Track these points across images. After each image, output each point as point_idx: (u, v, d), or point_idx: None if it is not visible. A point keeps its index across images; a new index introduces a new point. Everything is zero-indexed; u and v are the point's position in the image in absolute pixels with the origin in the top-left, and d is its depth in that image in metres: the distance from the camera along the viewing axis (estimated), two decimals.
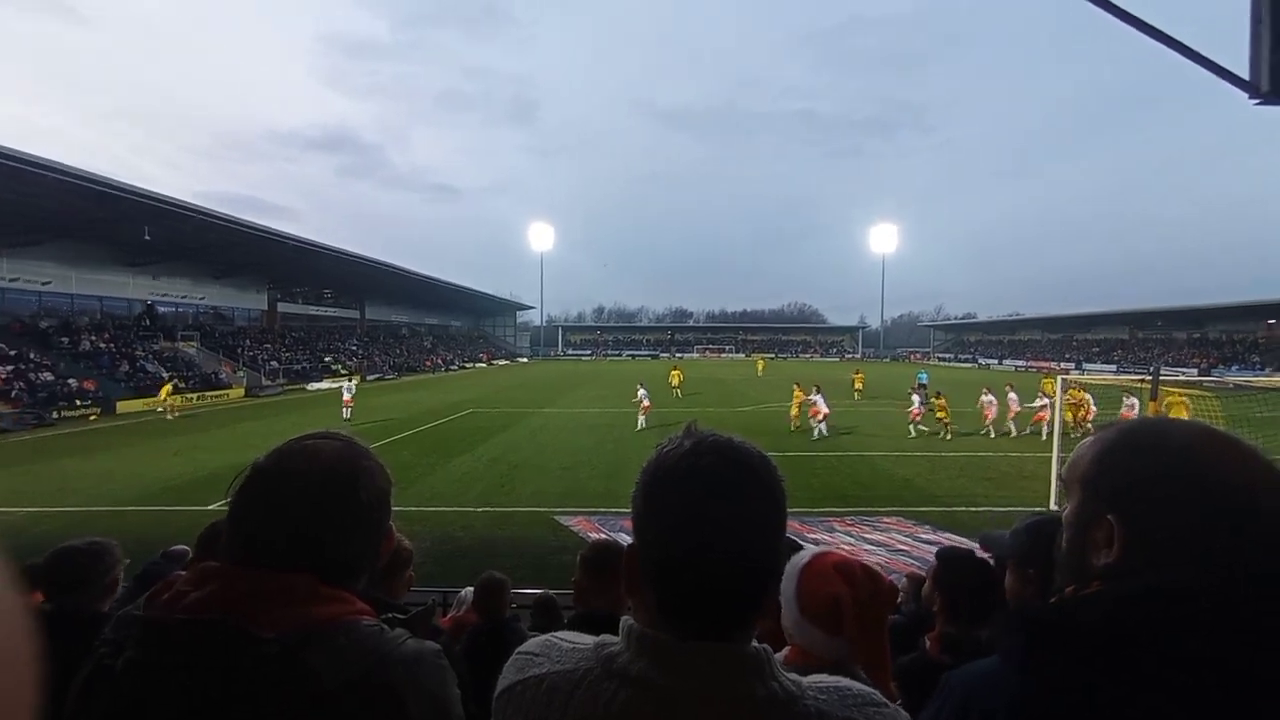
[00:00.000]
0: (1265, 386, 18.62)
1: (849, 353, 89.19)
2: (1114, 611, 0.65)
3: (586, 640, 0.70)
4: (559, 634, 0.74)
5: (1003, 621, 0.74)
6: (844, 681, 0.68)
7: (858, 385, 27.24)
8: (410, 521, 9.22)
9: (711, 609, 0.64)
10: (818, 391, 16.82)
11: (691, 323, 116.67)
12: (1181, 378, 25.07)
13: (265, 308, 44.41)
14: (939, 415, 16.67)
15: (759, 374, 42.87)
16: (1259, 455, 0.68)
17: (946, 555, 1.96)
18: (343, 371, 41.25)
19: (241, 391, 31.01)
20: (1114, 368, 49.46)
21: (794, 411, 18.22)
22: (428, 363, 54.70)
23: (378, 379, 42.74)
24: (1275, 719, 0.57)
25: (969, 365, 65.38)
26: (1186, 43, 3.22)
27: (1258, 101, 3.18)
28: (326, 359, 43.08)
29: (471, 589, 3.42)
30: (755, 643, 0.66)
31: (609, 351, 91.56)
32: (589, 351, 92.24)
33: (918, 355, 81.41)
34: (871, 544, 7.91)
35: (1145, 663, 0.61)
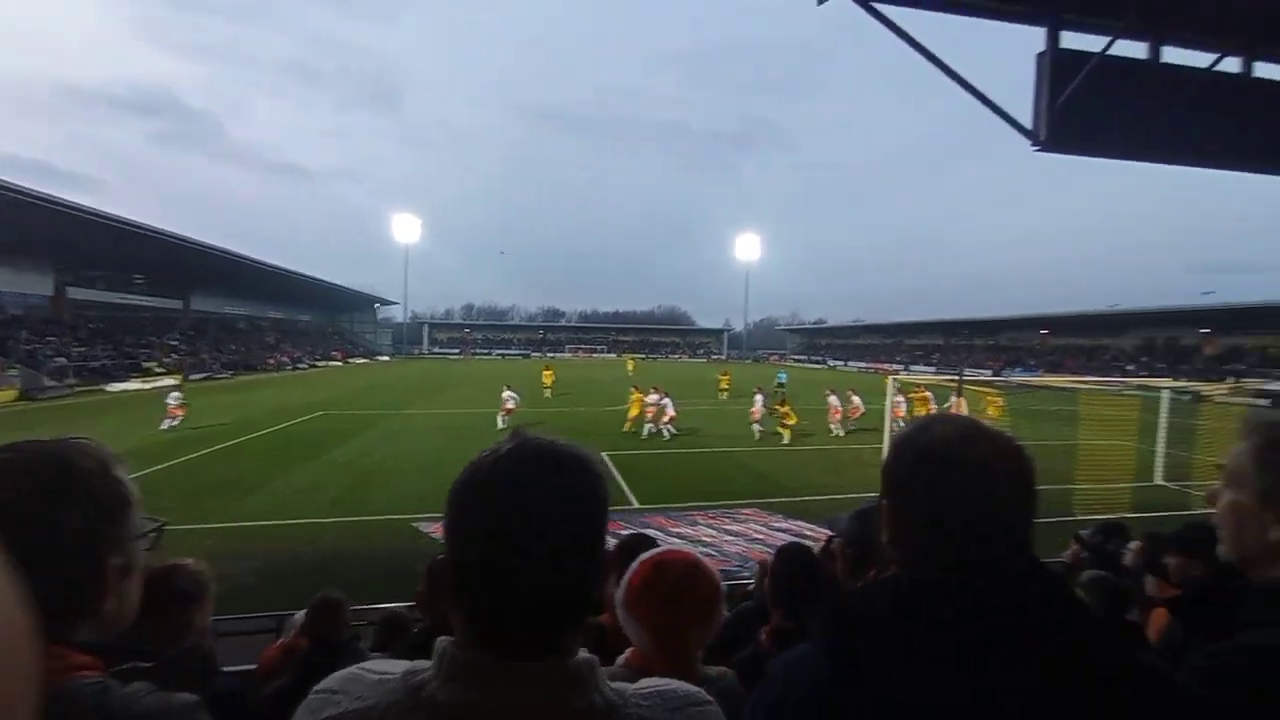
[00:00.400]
0: (1038, 384, 22.69)
1: (715, 354, 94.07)
2: (898, 596, 0.72)
3: (397, 669, 0.63)
4: (368, 664, 0.65)
5: (817, 606, 0.80)
6: (671, 684, 0.68)
7: (723, 385, 28.83)
8: (243, 539, 8.15)
9: (522, 623, 0.61)
10: (662, 394, 16.72)
11: (564, 322, 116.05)
12: (981, 377, 29.71)
13: (50, 293, 36.81)
14: (784, 419, 16.65)
15: (630, 374, 43.79)
16: (1007, 447, 0.77)
17: (781, 548, 2.07)
18: (158, 369, 35.47)
19: (14, 394, 25.41)
20: (933, 369, 57.29)
21: (633, 413, 17.51)
22: (270, 360, 48.80)
23: (205, 378, 37.29)
24: (1027, 679, 0.65)
25: (820, 366, 71.99)
26: (990, 98, 3.80)
27: (1037, 149, 3.82)
28: (138, 355, 36.74)
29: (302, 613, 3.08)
30: (581, 653, 0.63)
31: (478, 351, 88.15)
32: (457, 350, 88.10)
33: (776, 357, 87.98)
34: (731, 534, 8.38)
35: (925, 642, 0.68)
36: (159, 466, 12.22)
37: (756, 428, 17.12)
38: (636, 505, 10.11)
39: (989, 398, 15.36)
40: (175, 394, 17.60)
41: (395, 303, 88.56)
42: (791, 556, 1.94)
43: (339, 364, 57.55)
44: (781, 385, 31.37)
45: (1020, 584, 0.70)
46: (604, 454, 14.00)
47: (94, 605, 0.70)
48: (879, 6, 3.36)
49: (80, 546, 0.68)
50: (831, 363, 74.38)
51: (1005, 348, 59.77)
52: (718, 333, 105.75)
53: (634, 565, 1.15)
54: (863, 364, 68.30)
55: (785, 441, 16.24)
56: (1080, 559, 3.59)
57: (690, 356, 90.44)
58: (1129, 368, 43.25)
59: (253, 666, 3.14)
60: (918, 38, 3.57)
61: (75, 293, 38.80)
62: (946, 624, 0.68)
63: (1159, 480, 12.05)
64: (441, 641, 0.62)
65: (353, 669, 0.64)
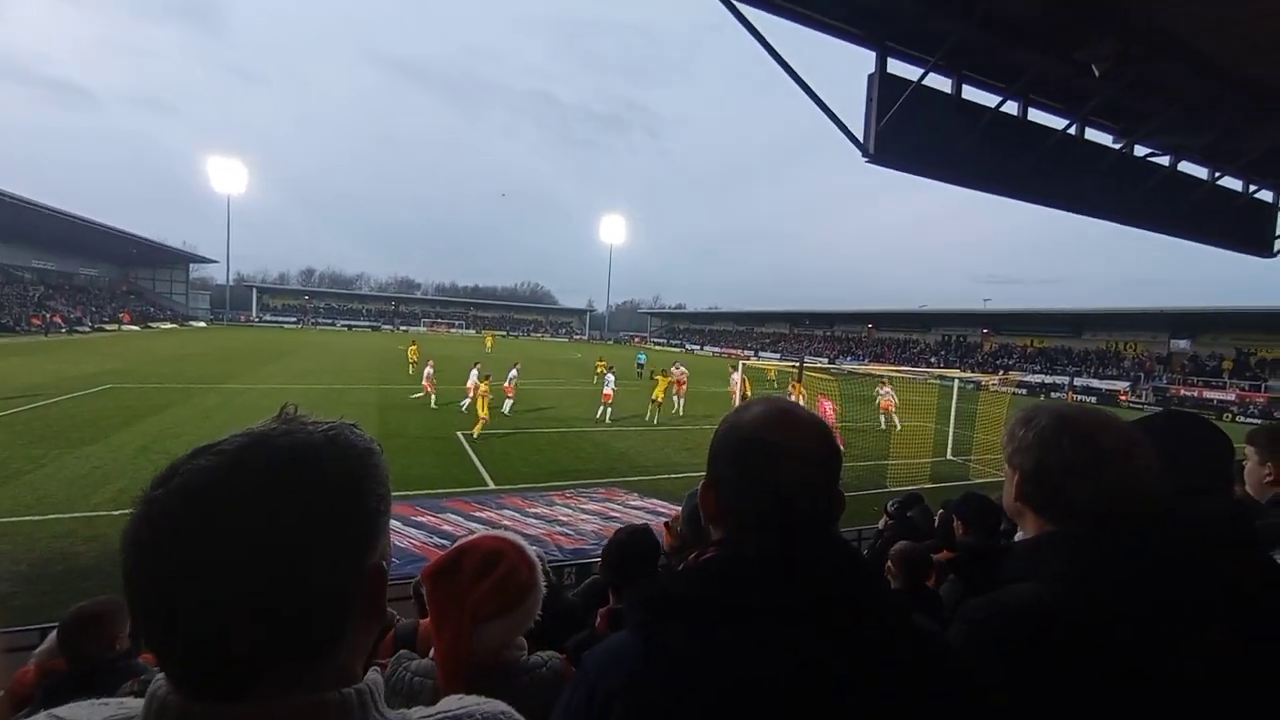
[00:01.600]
0: (862, 372, 25.89)
1: (577, 334, 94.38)
2: (707, 579, 0.73)
3: (94, 715, 0.53)
4: (64, 709, 0.53)
5: (628, 592, 0.79)
6: (467, 704, 0.63)
7: (599, 369, 29.04)
8: None
9: (222, 665, 0.48)
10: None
11: (419, 295, 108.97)
12: (818, 364, 33.21)
13: None
14: (655, 398, 17.41)
15: (487, 350, 42.45)
16: (813, 426, 0.82)
17: (617, 530, 2.11)
18: None
19: None
20: (778, 356, 62.65)
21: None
22: (35, 320, 39.86)
23: None
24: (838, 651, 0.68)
25: (678, 350, 75.32)
26: (833, 109, 4.15)
27: (867, 160, 4.27)
28: None
29: None
30: (358, 679, 0.54)
31: (320, 320, 79.66)
32: (294, 319, 78.82)
33: (639, 339, 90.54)
34: (587, 513, 8.50)
35: (732, 626, 0.68)
36: None
37: (608, 410, 16.72)
38: (492, 486, 9.87)
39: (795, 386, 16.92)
40: None
41: (214, 261, 76.67)
42: (621, 540, 1.96)
43: (134, 329, 48.67)
44: (641, 366, 32.42)
45: (823, 564, 0.73)
46: (459, 434, 13.45)
47: None
48: (738, 4, 3.51)
49: None
50: (689, 347, 78.17)
51: (839, 338, 67.02)
52: (580, 313, 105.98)
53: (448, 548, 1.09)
54: (717, 349, 72.74)
55: (650, 419, 16.82)
56: (889, 526, 4.16)
57: (552, 335, 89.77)
58: (932, 360, 50.98)
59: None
60: (776, 43, 3.80)
61: None
62: (754, 607, 0.68)
63: (949, 455, 14.35)
64: (157, 679, 0.50)
65: (39, 716, 0.52)
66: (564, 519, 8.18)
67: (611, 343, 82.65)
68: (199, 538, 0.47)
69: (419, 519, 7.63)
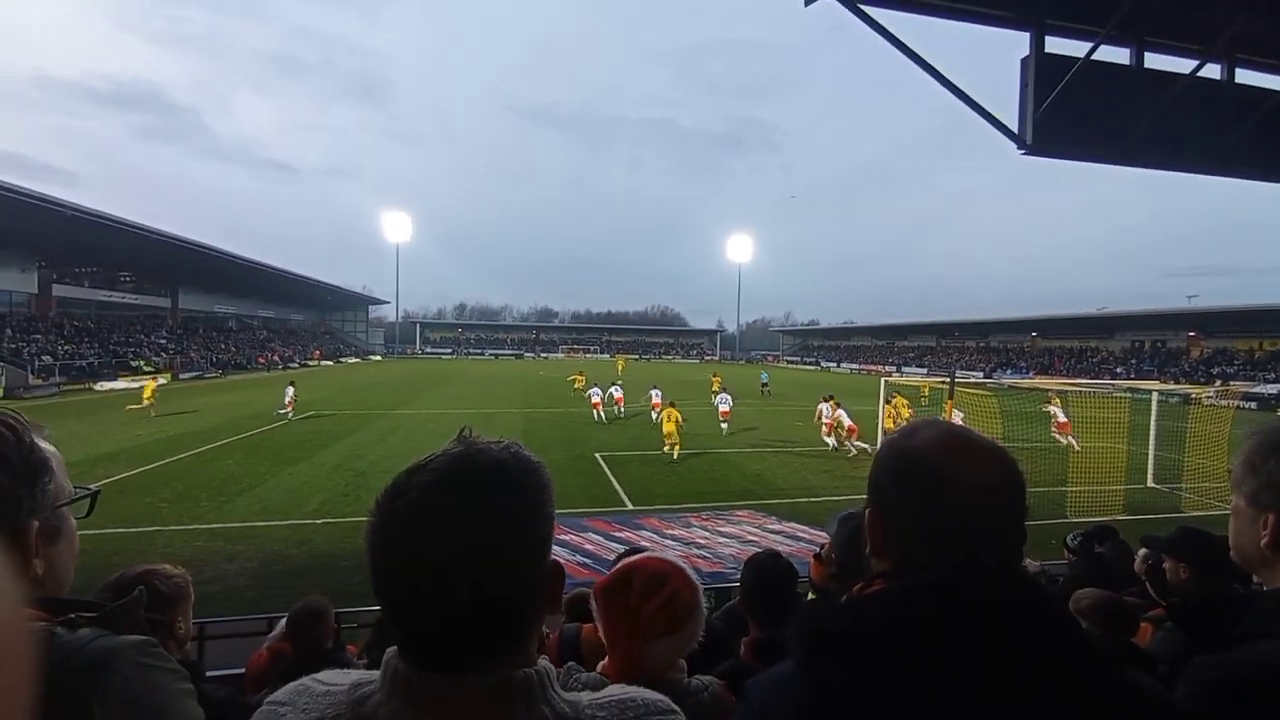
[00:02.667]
0: (1028, 387, 22.91)
1: (708, 355, 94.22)
2: (876, 613, 0.68)
3: (345, 680, 0.63)
4: (322, 675, 0.65)
5: (792, 623, 0.76)
6: (631, 692, 0.67)
7: (715, 386, 28.89)
8: (233, 540, 8.10)
9: (455, 642, 0.59)
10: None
11: (557, 322, 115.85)
12: (972, 379, 29.93)
13: (34, 290, 36.35)
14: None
15: (619, 374, 43.82)
16: (993, 454, 0.73)
17: (751, 557, 2.01)
18: (146, 368, 35.12)
19: None
20: (924, 370, 57.63)
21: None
22: (260, 359, 48.47)
23: (195, 377, 37.02)
24: (1020, 698, 0.61)
25: (813, 367, 72.25)
26: (977, 100, 3.83)
27: (1024, 152, 3.86)
28: (126, 353, 36.34)
29: None
30: (541, 661, 0.63)
31: (471, 350, 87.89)
32: (449, 350, 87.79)
33: (771, 358, 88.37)
34: (725, 536, 8.39)
35: (905, 663, 0.63)
36: (149, 466, 12.12)
37: (724, 426, 17.44)
38: (630, 507, 10.11)
39: (899, 400, 15.28)
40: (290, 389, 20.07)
41: (387, 302, 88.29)
42: (759, 566, 1.89)
43: (328, 363, 57.17)
44: (765, 385, 31.54)
45: (1007, 602, 0.66)
46: (596, 455, 14.01)
47: (19, 566, 0.72)
48: (866, 9, 3.38)
49: None
50: (824, 364, 74.64)
51: (996, 349, 60.18)
52: (710, 333, 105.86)
53: (615, 565, 1.14)
54: (855, 365, 68.56)
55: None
56: (1073, 564, 3.57)
57: (683, 357, 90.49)
58: (1118, 370, 43.73)
59: (241, 671, 3.13)
60: (905, 39, 3.61)
61: (61, 290, 38.39)
62: (928, 645, 0.64)
63: (1150, 483, 12.15)
64: (390, 653, 0.61)
65: (304, 680, 0.65)
66: (702, 541, 8.14)
67: (743, 362, 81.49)
68: (434, 542, 0.58)
69: (562, 537, 8.03)
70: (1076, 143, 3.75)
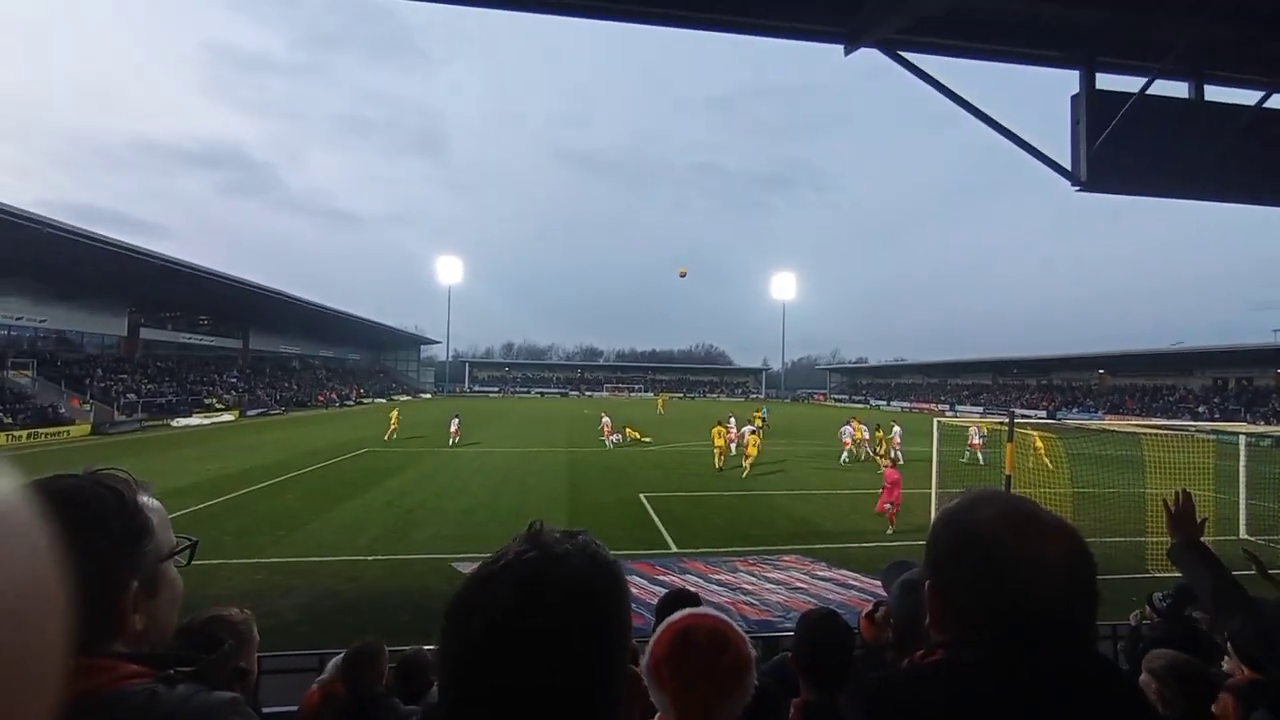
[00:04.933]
0: (1098, 429, 21.52)
1: (753, 393, 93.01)
2: (939, 686, 0.66)
3: None
4: None
5: (851, 689, 0.74)
6: None
7: (756, 421, 28.40)
8: (289, 574, 8.35)
9: None
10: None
11: (602, 361, 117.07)
12: (1033, 419, 28.38)
13: (124, 334, 39.45)
14: (749, 450, 17.30)
15: (660, 412, 43.67)
16: (1062, 533, 0.70)
17: (804, 615, 1.94)
18: (218, 405, 37.28)
19: (87, 428, 27.06)
20: (980, 409, 55.08)
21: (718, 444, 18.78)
22: (320, 397, 50.76)
23: (261, 414, 39.00)
24: None
25: (862, 405, 70.25)
26: (1025, 137, 3.79)
27: (1078, 189, 3.77)
28: (201, 392, 38.74)
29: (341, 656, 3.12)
30: None
31: (518, 389, 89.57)
32: (496, 388, 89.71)
33: (819, 396, 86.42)
34: (773, 582, 8.11)
35: None
36: (216, 500, 12.74)
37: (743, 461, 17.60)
38: (674, 549, 9.92)
39: (1035, 436, 14.69)
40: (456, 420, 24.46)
41: (438, 342, 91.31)
42: (815, 625, 1.80)
43: (380, 400, 59.30)
44: (765, 421, 30.80)
45: (1077, 683, 0.64)
46: (641, 495, 13.89)
47: (121, 623, 0.76)
48: (907, 55, 3.43)
49: (99, 572, 0.72)
50: (874, 402, 72.49)
51: (1059, 388, 57.13)
52: (755, 372, 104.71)
53: (659, 630, 1.10)
54: (905, 404, 66.33)
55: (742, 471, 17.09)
56: (1157, 626, 3.27)
57: (728, 395, 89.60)
58: (1199, 410, 40.64)
59: (294, 708, 3.19)
60: (951, 79, 3.62)
61: (146, 333, 41.52)
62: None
63: (1244, 534, 11.11)
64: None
65: None
66: (748, 587, 7.89)
67: (789, 400, 79.93)
68: (513, 665, 0.57)
69: None
70: (1133, 178, 3.63)
